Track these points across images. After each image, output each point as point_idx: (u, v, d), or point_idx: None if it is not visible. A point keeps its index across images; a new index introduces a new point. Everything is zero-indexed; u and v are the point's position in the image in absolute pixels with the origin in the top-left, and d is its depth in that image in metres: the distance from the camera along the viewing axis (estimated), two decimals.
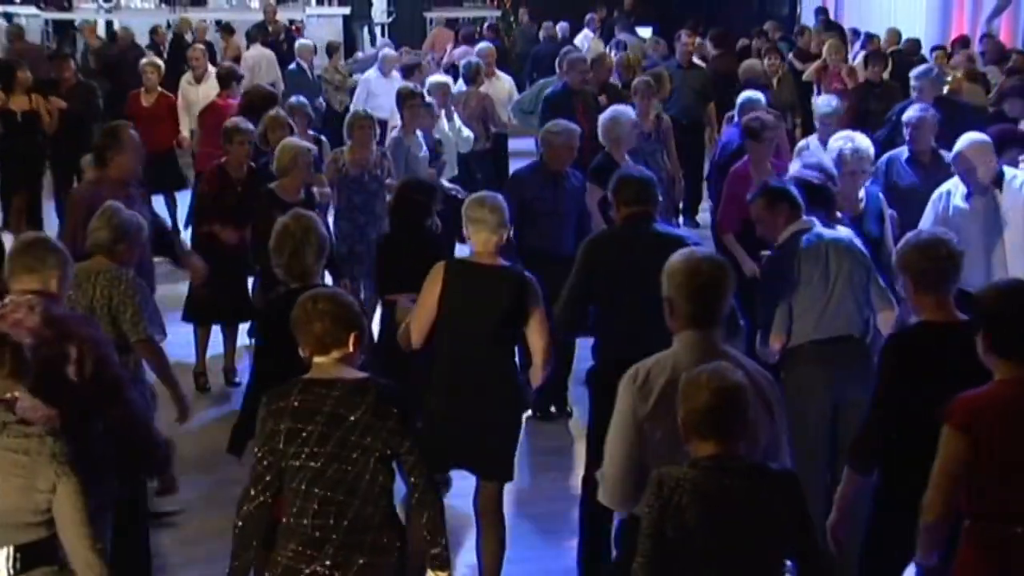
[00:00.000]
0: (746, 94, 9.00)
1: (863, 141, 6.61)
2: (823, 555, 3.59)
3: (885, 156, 7.69)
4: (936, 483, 3.74)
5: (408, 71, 11.93)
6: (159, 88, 11.53)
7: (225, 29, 17.05)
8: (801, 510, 3.49)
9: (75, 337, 4.41)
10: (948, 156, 7.50)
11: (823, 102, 8.56)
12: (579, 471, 5.85)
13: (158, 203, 10.10)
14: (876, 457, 4.36)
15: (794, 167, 6.38)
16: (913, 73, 9.36)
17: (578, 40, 16.71)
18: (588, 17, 17.82)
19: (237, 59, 14.69)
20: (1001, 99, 10.03)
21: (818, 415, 5.21)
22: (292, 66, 14.01)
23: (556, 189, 7.38)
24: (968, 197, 6.53)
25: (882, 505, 4.40)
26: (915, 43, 14.05)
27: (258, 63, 14.64)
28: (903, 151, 7.54)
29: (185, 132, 11.68)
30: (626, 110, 8.23)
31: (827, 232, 5.45)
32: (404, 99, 9.19)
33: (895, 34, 14.53)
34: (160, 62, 11.97)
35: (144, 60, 12.17)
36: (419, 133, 9.11)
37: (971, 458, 3.68)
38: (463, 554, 5.35)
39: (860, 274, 5.35)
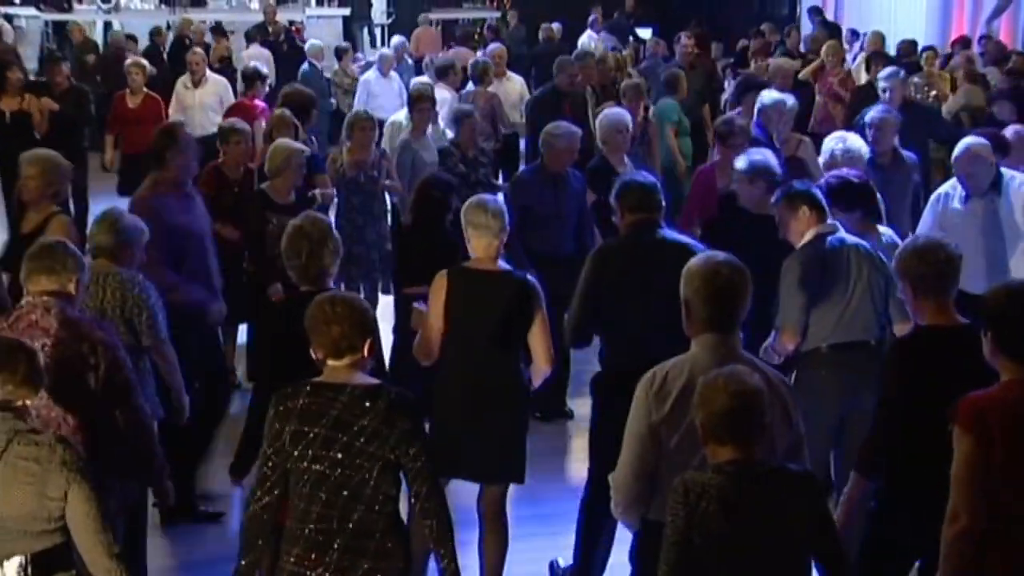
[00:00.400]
0: (770, 95, 8.75)
1: (855, 142, 6.63)
2: (845, 555, 3.58)
3: None
4: (955, 487, 3.71)
5: (441, 72, 11.69)
6: (145, 89, 11.33)
7: (216, 31, 16.93)
8: (822, 511, 3.50)
9: (89, 339, 4.45)
10: (909, 157, 7.63)
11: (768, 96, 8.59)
12: (579, 472, 5.84)
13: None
14: (882, 462, 4.36)
15: (740, 163, 6.41)
16: (881, 75, 9.41)
17: (583, 40, 16.75)
18: (592, 18, 17.86)
19: (222, 60, 14.63)
20: (991, 102, 10.06)
21: (826, 418, 5.18)
22: (305, 66, 14.00)
23: (557, 191, 7.39)
24: (966, 199, 6.53)
25: (884, 505, 4.40)
26: (911, 44, 13.99)
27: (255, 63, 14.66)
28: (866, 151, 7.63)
29: None
30: (622, 113, 8.24)
31: (850, 237, 5.43)
32: (414, 102, 9.17)
33: (879, 36, 14.54)
34: (145, 62, 11.77)
35: (129, 61, 11.96)
36: (429, 136, 9.10)
37: (979, 458, 3.66)
38: (465, 554, 5.33)
39: (880, 281, 5.32)
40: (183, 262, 6.08)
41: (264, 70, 11.30)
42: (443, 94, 10.74)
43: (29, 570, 3.64)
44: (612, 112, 8.23)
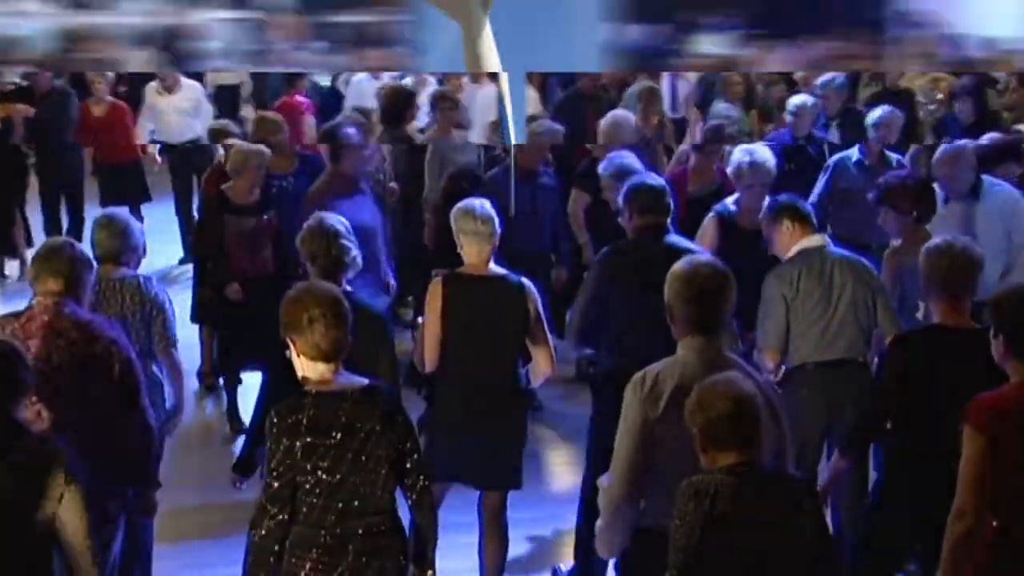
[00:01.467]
0: (798, 99, 8.89)
1: (762, 154, 6.54)
2: (838, 560, 3.59)
3: (835, 157, 7.87)
4: (962, 486, 3.71)
5: None
6: (109, 97, 11.14)
7: None
8: (820, 515, 3.51)
9: (103, 340, 4.44)
10: (896, 157, 7.75)
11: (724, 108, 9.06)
12: (579, 475, 5.82)
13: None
14: (866, 446, 4.54)
15: (608, 168, 6.49)
16: (818, 81, 9.44)
17: None
18: None
19: None
20: (952, 98, 10.06)
21: (807, 437, 5.11)
22: None
23: (531, 188, 7.43)
24: (944, 201, 6.48)
25: (882, 499, 4.49)
26: None
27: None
28: (853, 153, 7.72)
29: (143, 140, 11.20)
30: (627, 115, 8.28)
31: (836, 250, 5.41)
32: (436, 102, 9.19)
33: None
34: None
35: None
36: (458, 137, 9.10)
37: (991, 458, 3.66)
38: (466, 556, 5.35)
39: (866, 295, 5.29)
40: None
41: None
42: (485, 89, 10.73)
43: None
44: (625, 116, 8.29)
